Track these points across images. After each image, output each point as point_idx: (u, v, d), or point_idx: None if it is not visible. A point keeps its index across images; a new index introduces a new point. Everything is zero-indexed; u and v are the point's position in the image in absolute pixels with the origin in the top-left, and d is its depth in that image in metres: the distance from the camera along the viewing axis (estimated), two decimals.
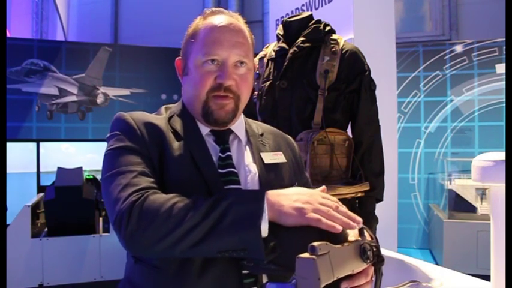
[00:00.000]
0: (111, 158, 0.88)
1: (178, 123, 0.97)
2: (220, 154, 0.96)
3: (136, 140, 0.89)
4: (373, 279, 0.82)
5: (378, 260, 0.81)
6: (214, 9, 1.01)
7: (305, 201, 0.78)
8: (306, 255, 0.67)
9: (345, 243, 0.78)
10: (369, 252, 0.79)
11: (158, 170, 0.88)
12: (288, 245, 0.76)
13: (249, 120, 1.10)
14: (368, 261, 0.79)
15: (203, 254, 0.78)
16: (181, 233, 0.75)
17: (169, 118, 0.98)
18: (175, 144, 0.92)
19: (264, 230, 0.75)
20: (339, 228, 0.75)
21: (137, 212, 0.77)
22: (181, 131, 0.95)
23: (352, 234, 0.84)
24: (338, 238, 0.77)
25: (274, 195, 0.80)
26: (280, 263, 0.75)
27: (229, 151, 0.97)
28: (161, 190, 0.84)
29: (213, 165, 0.92)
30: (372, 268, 0.81)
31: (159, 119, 0.97)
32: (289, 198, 0.79)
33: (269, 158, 1.01)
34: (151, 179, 0.85)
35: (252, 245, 0.74)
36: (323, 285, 0.66)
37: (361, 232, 0.84)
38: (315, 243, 0.68)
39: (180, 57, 1.03)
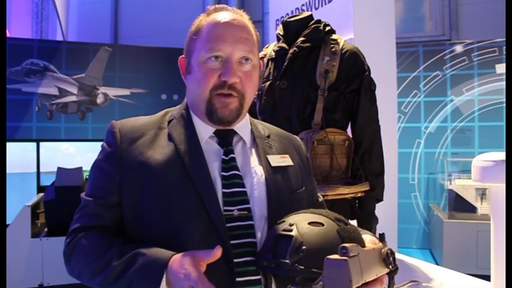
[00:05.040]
0: (90, 174, 0.99)
1: (176, 129, 0.95)
2: (223, 157, 0.94)
3: (113, 159, 0.93)
4: (386, 287, 0.82)
5: (394, 268, 0.81)
6: (217, 6, 0.99)
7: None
8: (336, 256, 0.67)
9: (371, 247, 0.77)
10: (391, 258, 0.79)
11: (134, 189, 0.90)
12: (311, 246, 0.74)
13: (255, 121, 1.07)
14: (391, 266, 0.79)
15: None
16: (98, 283, 0.87)
17: (169, 122, 0.98)
18: (167, 154, 0.91)
19: None
20: None
21: (69, 254, 0.92)
22: (178, 138, 0.94)
23: (369, 240, 0.84)
24: (359, 243, 0.76)
25: (174, 272, 0.78)
26: (304, 264, 0.73)
27: (233, 153, 0.95)
28: (139, 208, 0.89)
29: (206, 172, 0.90)
30: (386, 276, 0.81)
31: (151, 129, 0.96)
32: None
33: (276, 160, 0.99)
34: (99, 214, 0.92)
35: None
36: (354, 287, 0.66)
37: (381, 238, 0.84)
38: (347, 244, 0.67)
39: (183, 56, 1.00)
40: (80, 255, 0.88)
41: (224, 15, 0.95)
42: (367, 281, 0.71)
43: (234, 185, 0.91)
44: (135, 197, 0.90)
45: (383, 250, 0.79)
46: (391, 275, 0.82)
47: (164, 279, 0.78)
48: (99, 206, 0.91)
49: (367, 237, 0.85)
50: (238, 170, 0.93)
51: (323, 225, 0.78)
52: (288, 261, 0.74)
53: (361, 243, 0.79)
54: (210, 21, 0.94)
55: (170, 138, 0.94)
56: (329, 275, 0.66)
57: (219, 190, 0.90)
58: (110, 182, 0.91)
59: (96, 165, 0.96)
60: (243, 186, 0.92)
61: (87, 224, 0.91)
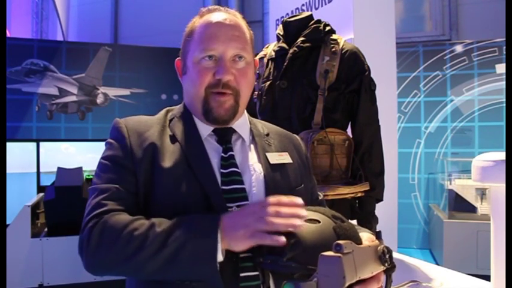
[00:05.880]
0: (98, 170, 0.92)
1: (177, 127, 0.97)
2: (222, 154, 0.95)
3: (124, 151, 0.91)
4: (383, 285, 0.81)
5: (391, 266, 0.81)
6: (210, 7, 1.00)
7: (252, 222, 0.77)
8: (330, 253, 0.67)
9: (366, 244, 0.77)
10: (387, 256, 0.79)
11: (146, 180, 0.89)
12: (307, 243, 0.74)
13: (255, 120, 1.09)
14: (386, 264, 0.79)
15: (167, 279, 0.81)
16: (140, 260, 0.78)
17: (170, 121, 0.98)
18: (171, 150, 0.92)
19: (219, 259, 0.78)
20: (282, 240, 0.74)
21: (96, 237, 0.80)
22: (180, 135, 0.95)
23: (366, 238, 0.84)
24: (356, 241, 0.76)
25: (228, 222, 0.79)
26: (300, 260, 0.73)
27: (232, 151, 0.96)
28: (148, 201, 0.88)
29: (210, 169, 0.91)
30: (383, 274, 0.81)
31: (155, 124, 0.97)
32: (242, 223, 0.78)
33: (275, 158, 1.00)
34: (122, 198, 0.86)
35: (210, 278, 0.77)
36: (347, 284, 0.66)
37: (378, 235, 0.84)
38: (341, 241, 0.67)
39: (179, 58, 1.02)
40: (114, 233, 0.80)
41: (216, 16, 0.96)
42: (362, 278, 0.71)
43: (233, 182, 0.92)
44: (147, 187, 0.89)
45: (379, 248, 0.79)
46: (388, 273, 0.82)
47: (219, 231, 0.78)
48: (120, 191, 0.87)
49: (365, 235, 0.85)
50: (237, 167, 0.94)
51: (319, 222, 0.78)
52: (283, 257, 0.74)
53: (358, 241, 0.79)
54: (202, 22, 0.96)
55: (173, 134, 0.95)
56: (323, 271, 0.66)
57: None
58: (125, 171, 0.89)
59: (106, 159, 0.92)
60: (242, 183, 0.92)
61: (112, 207, 0.84)
